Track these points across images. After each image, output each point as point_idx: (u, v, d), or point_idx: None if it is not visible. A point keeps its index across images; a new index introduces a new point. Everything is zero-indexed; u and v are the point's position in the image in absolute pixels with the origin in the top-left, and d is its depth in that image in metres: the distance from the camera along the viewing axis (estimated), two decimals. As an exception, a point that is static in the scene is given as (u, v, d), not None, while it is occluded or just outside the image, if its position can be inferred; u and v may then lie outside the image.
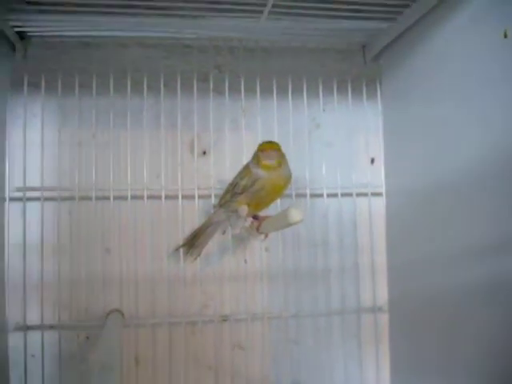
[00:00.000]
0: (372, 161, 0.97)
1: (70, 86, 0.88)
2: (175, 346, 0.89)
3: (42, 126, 0.87)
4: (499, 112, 0.60)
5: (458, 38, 0.69)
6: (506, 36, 0.58)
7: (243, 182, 0.75)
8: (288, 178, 0.76)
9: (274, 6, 0.73)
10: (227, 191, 0.79)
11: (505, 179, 0.59)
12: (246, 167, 0.78)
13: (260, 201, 0.76)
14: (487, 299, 0.63)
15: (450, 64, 0.71)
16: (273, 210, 0.81)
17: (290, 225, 0.63)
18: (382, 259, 0.95)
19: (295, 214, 0.61)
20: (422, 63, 0.79)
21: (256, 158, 0.75)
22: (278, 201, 0.87)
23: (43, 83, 0.87)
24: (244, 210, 0.75)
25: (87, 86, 0.89)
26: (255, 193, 0.74)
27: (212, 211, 0.84)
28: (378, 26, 0.82)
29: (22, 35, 0.85)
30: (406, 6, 0.75)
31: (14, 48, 0.86)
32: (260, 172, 0.74)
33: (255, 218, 0.80)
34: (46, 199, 0.87)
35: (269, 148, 0.74)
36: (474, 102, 0.65)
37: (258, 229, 0.78)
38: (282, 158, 0.75)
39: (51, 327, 0.86)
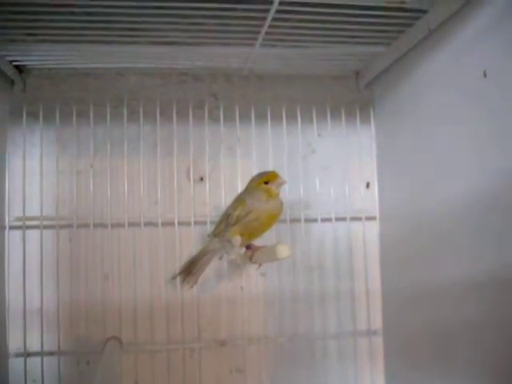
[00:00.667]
0: (367, 185, 0.98)
1: (68, 116, 0.90)
2: (174, 371, 0.91)
3: (40, 155, 0.89)
4: (484, 143, 0.62)
5: (444, 70, 0.70)
6: (485, 75, 0.60)
7: (236, 213, 0.77)
8: (281, 208, 0.78)
9: (267, 33, 0.74)
10: (221, 221, 0.81)
11: (493, 208, 0.60)
12: (239, 198, 0.79)
13: (253, 231, 0.77)
14: (480, 324, 0.64)
15: (436, 94, 0.73)
16: (268, 237, 0.83)
17: (278, 259, 0.66)
18: (376, 283, 0.96)
19: (282, 251, 0.65)
20: (411, 90, 0.81)
21: (263, 191, 0.77)
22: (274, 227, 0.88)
23: (41, 113, 0.89)
24: (237, 240, 0.76)
25: (85, 115, 0.90)
26: (248, 223, 0.76)
27: (207, 239, 0.85)
28: (372, 50, 0.83)
29: (20, 68, 0.87)
30: (401, 31, 0.76)
31: (12, 82, 0.88)
32: (255, 203, 0.76)
33: (248, 247, 0.81)
34: (46, 227, 0.89)
35: (277, 176, 0.77)
36: (460, 131, 0.67)
37: (250, 258, 0.80)
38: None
39: (51, 353, 0.87)
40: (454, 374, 0.71)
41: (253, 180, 0.79)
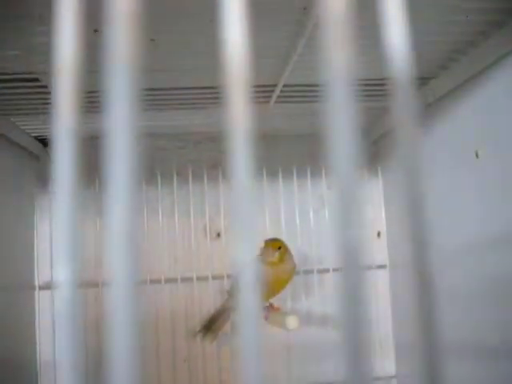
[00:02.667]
0: (378, 234, 1.02)
1: (90, 180, 0.96)
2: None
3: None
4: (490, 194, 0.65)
5: (443, 144, 0.74)
6: (477, 156, 0.64)
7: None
8: (291, 271, 0.82)
9: (282, 91, 0.75)
10: (236, 282, 0.85)
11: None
12: None
13: (266, 292, 0.81)
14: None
15: (438, 163, 0.77)
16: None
17: (287, 330, 0.70)
18: (388, 330, 1.00)
19: (291, 323, 0.69)
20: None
21: (260, 254, 0.81)
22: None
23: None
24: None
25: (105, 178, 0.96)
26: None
27: (226, 296, 0.90)
28: (377, 112, 0.87)
29: (44, 142, 0.93)
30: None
31: (38, 157, 0.94)
32: (263, 268, 0.80)
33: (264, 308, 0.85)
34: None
35: (270, 246, 0.80)
36: (465, 184, 0.70)
37: (265, 318, 0.84)
38: (284, 254, 0.81)
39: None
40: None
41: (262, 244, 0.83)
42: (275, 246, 0.81)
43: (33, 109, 0.77)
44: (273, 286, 0.81)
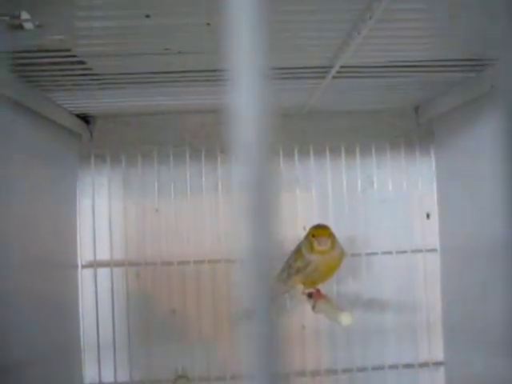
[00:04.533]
0: (428, 216, 0.98)
1: (133, 156, 0.93)
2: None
3: (109, 196, 0.93)
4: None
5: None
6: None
7: (297, 265, 0.78)
8: (341, 258, 0.79)
9: (338, 71, 0.70)
10: (284, 270, 0.82)
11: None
12: (299, 250, 0.80)
13: (314, 280, 0.79)
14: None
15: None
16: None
17: (339, 325, 0.67)
18: (437, 316, 0.96)
19: (345, 319, 0.66)
20: (477, 131, 0.80)
21: (309, 243, 0.78)
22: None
23: (108, 156, 0.93)
24: (300, 288, 0.79)
25: (149, 154, 0.94)
26: (309, 274, 0.78)
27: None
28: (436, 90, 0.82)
29: (86, 119, 0.91)
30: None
31: (80, 135, 0.92)
32: (313, 256, 0.77)
33: (310, 296, 0.82)
34: (116, 264, 0.93)
35: (321, 234, 0.77)
36: None
37: (313, 308, 0.81)
38: (333, 241, 0.78)
39: (124, 384, 0.93)
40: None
41: (309, 229, 0.80)
42: (326, 233, 0.77)
43: (75, 85, 0.75)
44: (322, 274, 0.78)
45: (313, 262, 0.77)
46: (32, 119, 0.74)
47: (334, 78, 0.71)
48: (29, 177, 0.73)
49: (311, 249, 0.77)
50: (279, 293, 0.84)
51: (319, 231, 0.78)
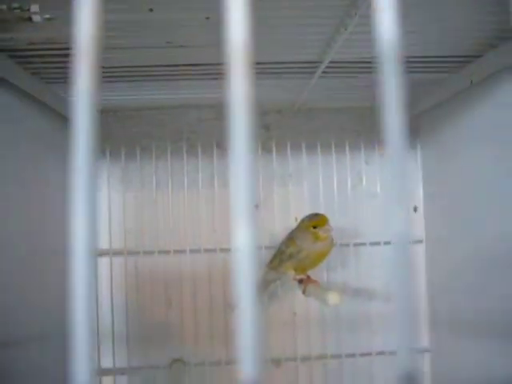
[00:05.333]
0: (415, 209, 1.02)
1: (132, 151, 0.98)
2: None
3: (108, 189, 0.97)
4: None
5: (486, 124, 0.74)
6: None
7: (289, 251, 0.83)
8: (331, 246, 0.84)
9: (328, 66, 0.74)
10: (276, 256, 0.86)
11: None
12: (291, 237, 0.85)
13: (305, 266, 0.83)
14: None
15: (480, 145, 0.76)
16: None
17: (327, 305, 0.71)
18: (423, 304, 1.00)
19: (332, 298, 0.70)
20: (460, 125, 0.84)
21: (312, 234, 0.82)
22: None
23: (108, 150, 0.97)
24: (291, 274, 0.83)
25: (147, 148, 0.98)
26: (300, 260, 0.82)
27: (264, 269, 0.91)
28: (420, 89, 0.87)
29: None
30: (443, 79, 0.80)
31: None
32: (304, 243, 0.82)
33: (301, 281, 0.86)
34: (115, 254, 0.97)
35: (322, 223, 0.82)
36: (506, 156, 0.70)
37: (303, 292, 0.85)
38: None
39: (122, 371, 0.96)
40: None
41: (303, 220, 0.85)
42: (326, 220, 0.82)
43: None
44: (313, 261, 0.83)
45: (304, 250, 0.81)
46: (38, 109, 0.78)
47: (324, 73, 0.76)
48: (36, 166, 0.77)
49: (316, 238, 0.81)
50: (271, 279, 0.88)
51: (319, 221, 0.82)
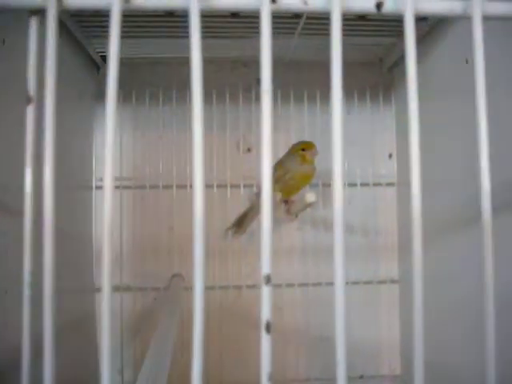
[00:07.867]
0: (390, 156, 1.16)
1: (142, 97, 1.11)
2: (225, 307, 1.12)
3: (120, 128, 1.11)
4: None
5: (443, 60, 0.87)
6: (467, 62, 0.76)
7: (276, 174, 0.95)
8: (314, 171, 0.97)
9: (303, 28, 0.92)
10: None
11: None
12: (280, 161, 0.98)
13: (291, 188, 0.96)
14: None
15: (442, 77, 0.89)
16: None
17: (308, 205, 0.84)
18: (394, 240, 1.14)
19: (310, 197, 0.82)
20: (424, 75, 0.97)
21: (300, 156, 0.96)
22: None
23: (121, 95, 1.10)
24: (278, 195, 0.96)
25: (155, 97, 1.11)
26: (286, 182, 0.95)
27: (254, 197, 1.05)
28: (391, 41, 1.01)
29: (105, 59, 1.09)
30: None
31: (98, 68, 1.10)
32: (291, 165, 0.95)
33: (286, 202, 1.00)
34: (124, 187, 1.11)
35: (310, 147, 0.96)
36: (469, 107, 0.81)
37: (288, 211, 0.99)
38: None
39: (128, 288, 1.09)
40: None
41: (293, 146, 0.98)
42: (313, 146, 0.96)
43: (98, 31, 0.95)
44: (299, 182, 0.96)
45: (291, 172, 0.95)
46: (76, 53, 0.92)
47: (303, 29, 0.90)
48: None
49: (303, 160, 0.95)
50: (259, 206, 1.01)
51: (308, 145, 0.96)
